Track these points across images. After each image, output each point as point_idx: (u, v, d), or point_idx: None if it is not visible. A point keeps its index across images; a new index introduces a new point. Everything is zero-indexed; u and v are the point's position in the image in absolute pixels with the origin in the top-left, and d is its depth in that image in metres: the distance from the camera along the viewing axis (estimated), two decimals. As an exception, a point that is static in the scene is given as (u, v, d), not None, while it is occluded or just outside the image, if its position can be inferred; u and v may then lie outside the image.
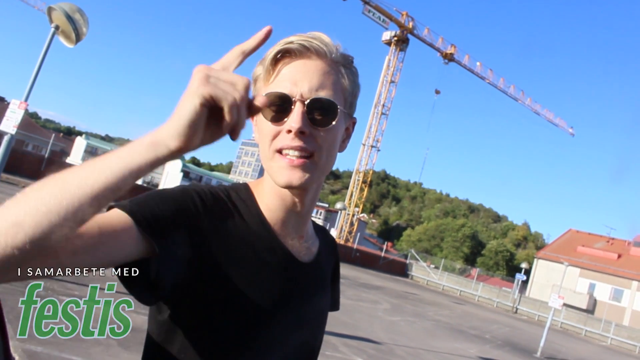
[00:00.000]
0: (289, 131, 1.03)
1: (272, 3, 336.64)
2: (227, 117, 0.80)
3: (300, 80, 1.05)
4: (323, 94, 1.05)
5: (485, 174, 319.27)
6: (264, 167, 1.12)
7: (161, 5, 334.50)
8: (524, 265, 39.88)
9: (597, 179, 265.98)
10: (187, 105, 0.78)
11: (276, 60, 1.07)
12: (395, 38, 62.38)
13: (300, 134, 1.03)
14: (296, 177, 1.04)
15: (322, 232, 1.38)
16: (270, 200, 1.15)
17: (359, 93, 1.18)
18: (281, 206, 1.15)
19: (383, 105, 62.54)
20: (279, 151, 1.05)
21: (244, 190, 1.18)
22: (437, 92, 72.10)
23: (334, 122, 1.07)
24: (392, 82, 62.98)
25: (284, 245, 1.15)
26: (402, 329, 14.50)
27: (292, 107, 1.03)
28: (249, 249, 1.08)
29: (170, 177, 70.26)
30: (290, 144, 1.03)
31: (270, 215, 1.15)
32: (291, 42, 1.06)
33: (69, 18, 7.73)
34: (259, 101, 0.86)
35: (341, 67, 1.11)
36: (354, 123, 1.22)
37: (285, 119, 1.04)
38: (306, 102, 1.04)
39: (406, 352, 10.81)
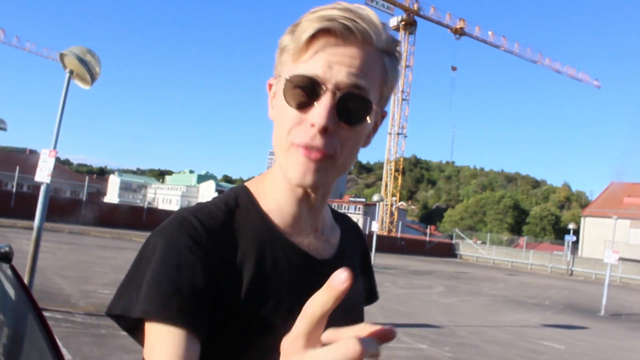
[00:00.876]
0: (312, 125, 0.89)
1: None
2: None
3: (336, 65, 0.90)
4: (359, 86, 0.90)
5: (516, 142, 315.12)
6: (275, 156, 1.00)
7: (172, 33, 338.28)
8: (571, 226, 39.18)
9: (630, 126, 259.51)
10: None
11: (312, 36, 0.91)
12: (403, 23, 62.08)
13: (323, 130, 0.89)
14: (310, 176, 0.92)
15: (343, 220, 1.24)
16: (281, 194, 1.03)
17: (397, 84, 1.04)
18: (292, 200, 1.03)
19: (402, 92, 62.30)
20: (296, 145, 0.92)
21: (244, 195, 1.06)
22: (454, 68, 71.56)
23: (363, 122, 0.94)
24: (407, 66, 62.72)
25: (297, 246, 1.03)
26: (459, 309, 14.45)
27: (321, 95, 0.89)
28: (259, 262, 0.97)
29: (205, 199, 70.92)
30: (311, 142, 0.90)
31: (279, 213, 1.04)
32: (334, 19, 0.90)
33: (81, 61, 7.95)
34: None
35: (385, 56, 0.97)
36: (384, 117, 1.07)
37: (310, 108, 0.90)
38: (338, 94, 0.89)
39: (468, 332, 10.80)
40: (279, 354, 0.87)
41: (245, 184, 1.10)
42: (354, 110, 0.91)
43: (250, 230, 1.00)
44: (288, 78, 0.92)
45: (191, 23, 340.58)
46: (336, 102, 0.89)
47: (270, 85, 1.03)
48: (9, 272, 2.08)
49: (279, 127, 0.96)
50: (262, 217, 1.02)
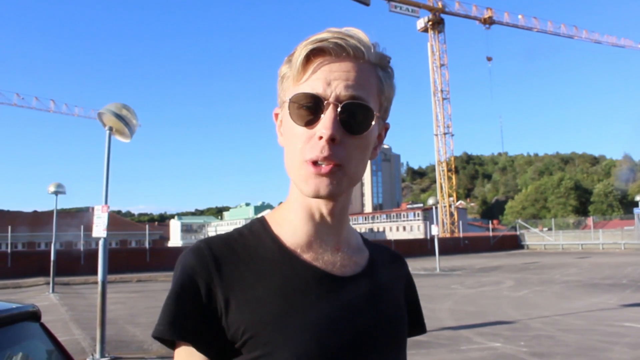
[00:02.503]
0: (320, 137, 0.95)
1: (293, 18, 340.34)
2: None
3: (334, 81, 0.96)
4: (358, 96, 0.97)
5: (567, 122, 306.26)
6: (289, 175, 1.03)
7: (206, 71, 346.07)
8: (638, 197, 37.74)
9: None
10: None
11: (307, 59, 0.98)
12: (430, 23, 61.77)
13: (331, 141, 0.94)
14: (324, 185, 0.96)
15: (378, 248, 1.22)
16: (295, 215, 1.06)
17: (394, 96, 1.08)
18: (306, 218, 1.05)
19: (442, 91, 61.75)
20: (307, 162, 0.97)
21: (258, 223, 1.10)
22: (489, 59, 70.46)
23: (368, 129, 0.99)
24: (442, 65, 62.19)
25: (310, 264, 1.02)
26: (532, 301, 14.08)
27: (324, 110, 0.96)
28: (267, 282, 0.98)
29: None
30: (320, 154, 0.95)
31: (292, 234, 1.05)
32: (325, 40, 0.97)
33: (118, 117, 8.30)
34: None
35: (378, 68, 1.03)
36: (387, 129, 1.11)
37: (316, 124, 0.96)
38: (340, 106, 0.95)
39: (543, 323, 10.51)
40: None
41: (264, 215, 1.13)
42: (357, 118, 0.97)
43: (260, 252, 1.03)
44: (291, 99, 0.98)
45: (221, 54, 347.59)
46: (339, 113, 0.95)
47: (277, 115, 1.10)
48: (39, 330, 2.22)
49: (290, 150, 1.01)
50: (273, 239, 1.05)
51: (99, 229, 8.62)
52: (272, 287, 0.98)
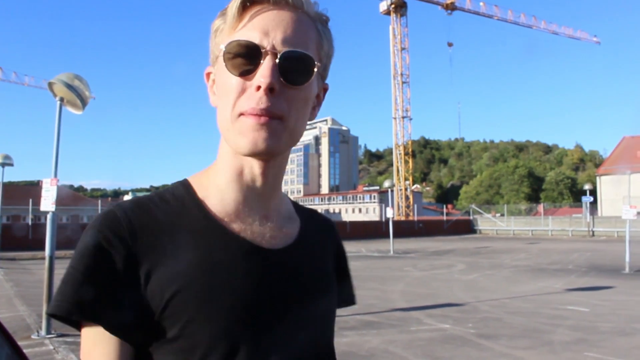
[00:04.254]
0: (258, 87, 0.87)
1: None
2: None
3: (272, 30, 0.89)
4: (298, 46, 0.90)
5: (522, 110, 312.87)
6: (222, 133, 0.94)
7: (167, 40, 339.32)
8: (587, 186, 39.04)
9: (635, 78, 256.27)
10: None
11: (244, 7, 0.91)
12: (393, 5, 61.95)
13: (269, 91, 0.86)
14: (262, 138, 0.87)
15: (310, 215, 1.15)
16: (223, 178, 0.97)
17: (333, 56, 1.01)
18: (236, 182, 0.96)
19: (402, 75, 62.15)
20: (243, 114, 0.88)
21: (181, 187, 0.99)
22: (450, 44, 71.52)
23: (308, 80, 0.92)
24: (403, 49, 62.51)
25: (238, 235, 0.94)
26: (482, 284, 14.39)
27: (262, 60, 0.88)
28: (192, 254, 0.89)
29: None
30: (256, 105, 0.87)
31: (220, 200, 0.96)
32: None
33: (70, 87, 8.01)
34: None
35: (317, 22, 0.96)
36: (326, 90, 1.03)
37: (253, 75, 0.88)
38: (279, 55, 0.88)
39: (491, 306, 10.75)
40: (218, 346, 0.86)
41: (187, 177, 1.03)
42: (297, 68, 0.90)
43: (185, 221, 0.93)
44: (224, 48, 0.90)
45: (184, 33, 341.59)
46: (278, 62, 0.88)
47: (208, 75, 1.01)
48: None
49: (223, 103, 0.92)
50: (198, 206, 0.96)
51: (48, 202, 8.38)
52: (196, 261, 0.89)
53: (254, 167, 0.95)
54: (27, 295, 11.96)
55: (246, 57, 0.88)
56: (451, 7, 64.21)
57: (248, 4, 0.91)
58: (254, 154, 0.90)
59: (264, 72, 0.86)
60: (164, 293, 0.86)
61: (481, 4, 66.34)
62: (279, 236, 1.00)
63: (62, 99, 8.21)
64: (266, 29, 0.88)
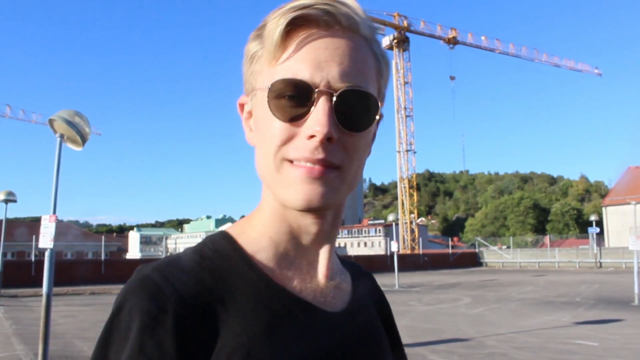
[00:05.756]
0: (311, 136, 0.72)
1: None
2: None
3: (326, 62, 0.73)
4: (358, 83, 0.74)
5: (527, 142, 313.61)
6: (263, 181, 0.81)
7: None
8: (593, 217, 38.73)
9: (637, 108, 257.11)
10: None
11: (287, 31, 0.74)
12: (395, 41, 62.49)
13: (327, 141, 0.72)
14: (317, 193, 0.73)
15: (351, 265, 1.01)
16: (276, 232, 0.82)
17: (390, 74, 0.86)
18: (289, 236, 0.82)
19: (405, 109, 62.40)
20: (290, 161, 0.75)
21: (223, 241, 0.83)
22: (452, 78, 71.74)
23: (371, 125, 0.77)
24: (406, 83, 62.92)
25: (303, 300, 0.81)
26: (488, 318, 14.16)
27: (315, 101, 0.72)
28: (251, 324, 0.74)
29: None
30: (311, 156, 0.72)
31: (273, 255, 0.82)
32: (309, 7, 0.74)
33: (70, 123, 8.00)
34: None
35: (374, 44, 0.80)
36: (380, 119, 0.83)
37: (303, 119, 0.73)
38: (335, 95, 0.72)
39: (497, 341, 10.53)
40: None
41: (225, 230, 0.87)
42: (358, 110, 0.75)
43: (236, 282, 0.77)
44: (269, 87, 0.74)
45: (183, 68, 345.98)
46: (334, 104, 0.73)
47: (242, 106, 0.86)
48: None
49: (265, 148, 0.77)
50: (249, 264, 0.80)
51: (46, 239, 8.29)
52: (260, 330, 0.74)
53: (307, 220, 0.81)
54: (24, 333, 11.80)
55: (295, 99, 0.73)
56: (453, 42, 64.80)
57: (292, 29, 0.74)
58: (307, 210, 0.76)
59: (319, 119, 0.71)
60: None
61: (483, 38, 66.99)
62: (339, 295, 0.87)
63: (62, 136, 8.20)
64: (318, 62, 0.73)
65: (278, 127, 0.74)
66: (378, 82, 0.80)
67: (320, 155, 0.72)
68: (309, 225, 0.81)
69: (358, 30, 0.77)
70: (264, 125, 0.77)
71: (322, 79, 0.72)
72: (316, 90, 0.72)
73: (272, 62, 0.76)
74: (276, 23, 0.74)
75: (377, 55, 0.80)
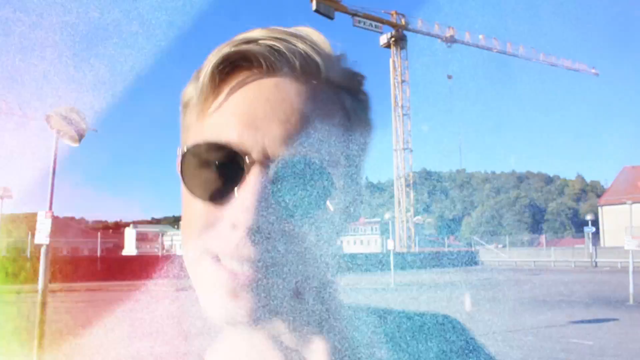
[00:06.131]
0: (234, 226, 0.52)
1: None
2: None
3: (264, 118, 0.54)
4: (307, 151, 0.54)
5: (523, 141, 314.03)
6: (187, 267, 0.59)
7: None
8: (588, 217, 38.89)
9: (634, 108, 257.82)
10: None
11: (222, 73, 0.56)
12: (393, 39, 62.49)
13: (254, 234, 0.52)
14: (243, 308, 0.53)
15: None
16: None
17: (370, 141, 0.64)
18: None
19: (402, 107, 62.39)
20: (215, 255, 0.55)
21: None
22: (449, 77, 72.02)
23: (319, 208, 0.56)
24: (403, 81, 62.91)
25: None
26: (483, 318, 14.17)
27: (245, 174, 0.53)
28: None
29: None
30: (234, 252, 0.53)
31: None
32: (254, 42, 0.55)
33: (66, 120, 8.02)
34: None
35: (344, 94, 0.60)
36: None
37: (229, 199, 0.54)
38: (270, 166, 0.53)
39: (493, 341, 10.55)
40: None
41: None
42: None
43: None
44: (187, 150, 0.56)
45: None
46: (270, 181, 0.53)
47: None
48: None
49: (186, 226, 0.58)
50: None
51: (42, 235, 8.29)
52: None
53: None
54: (20, 330, 11.78)
55: (218, 170, 0.54)
56: (450, 40, 64.81)
57: (229, 70, 0.56)
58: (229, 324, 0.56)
59: (245, 204, 0.51)
60: None
61: (480, 36, 67.01)
62: None
63: (58, 132, 8.20)
64: (253, 118, 0.54)
65: (198, 208, 0.55)
66: (344, 149, 0.58)
67: (245, 252, 0.52)
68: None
69: (318, 75, 0.57)
70: (185, 200, 0.58)
71: (256, 143, 0.53)
72: (246, 158, 0.53)
73: (201, 115, 0.58)
74: (208, 61, 0.56)
75: (346, 108, 0.60)
